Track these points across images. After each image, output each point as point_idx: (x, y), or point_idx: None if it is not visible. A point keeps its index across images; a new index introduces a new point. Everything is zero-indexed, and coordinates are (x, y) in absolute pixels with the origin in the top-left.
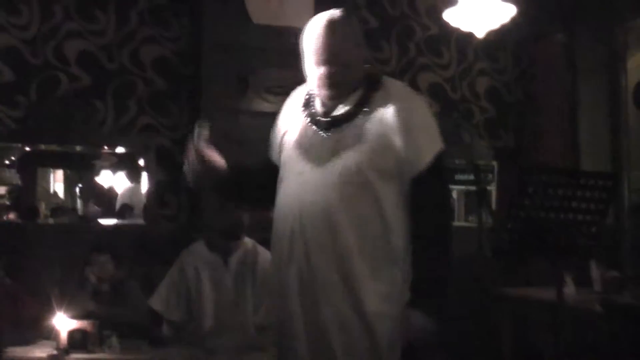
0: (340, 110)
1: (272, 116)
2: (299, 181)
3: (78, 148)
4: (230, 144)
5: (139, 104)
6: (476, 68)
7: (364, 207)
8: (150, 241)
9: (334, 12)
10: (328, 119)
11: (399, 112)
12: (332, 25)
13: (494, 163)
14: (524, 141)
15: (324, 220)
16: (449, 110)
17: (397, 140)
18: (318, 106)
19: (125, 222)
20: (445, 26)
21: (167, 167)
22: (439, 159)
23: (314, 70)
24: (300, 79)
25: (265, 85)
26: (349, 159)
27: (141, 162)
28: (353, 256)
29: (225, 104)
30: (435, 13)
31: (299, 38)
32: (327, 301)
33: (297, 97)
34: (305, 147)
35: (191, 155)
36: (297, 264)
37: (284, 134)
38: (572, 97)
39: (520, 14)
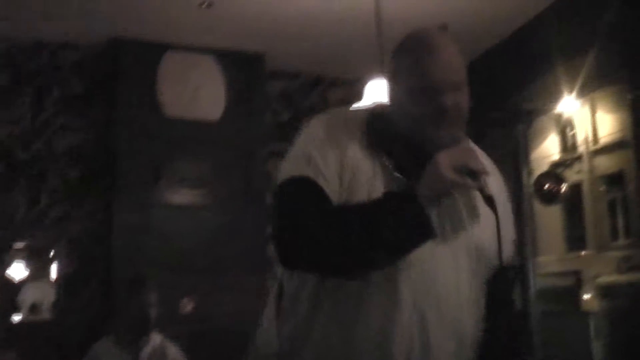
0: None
1: (185, 209)
2: (411, 260)
3: None
4: (143, 237)
5: (52, 194)
6: None
7: (481, 302)
8: (59, 337)
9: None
10: None
11: (499, 182)
12: (449, 38)
13: None
14: None
15: (456, 321)
16: None
17: (504, 216)
18: (411, 153)
19: (34, 317)
20: None
21: (78, 258)
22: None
23: (421, 101)
24: (213, 171)
25: (178, 176)
26: (468, 232)
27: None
28: None
29: (138, 195)
30: (346, 105)
31: (213, 130)
32: None
33: (354, 129)
34: None
35: None
36: None
37: (350, 178)
38: None
39: None
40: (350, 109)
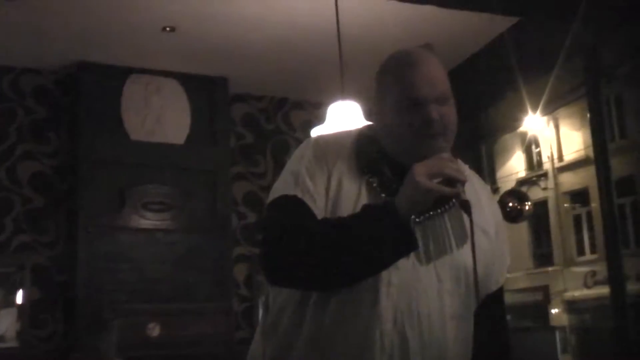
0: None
1: (150, 232)
2: (392, 279)
3: None
4: (108, 262)
5: (15, 221)
6: None
7: (469, 327)
8: None
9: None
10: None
11: (491, 201)
12: (432, 54)
13: None
14: None
15: (438, 342)
16: None
17: (492, 240)
18: (397, 172)
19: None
20: None
21: (42, 286)
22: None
23: (406, 115)
24: (178, 195)
25: (142, 201)
26: (455, 255)
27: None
28: None
29: (103, 220)
30: (309, 128)
31: (177, 154)
32: None
33: (342, 150)
34: None
35: None
36: None
37: (336, 197)
38: None
39: None
40: (341, 131)
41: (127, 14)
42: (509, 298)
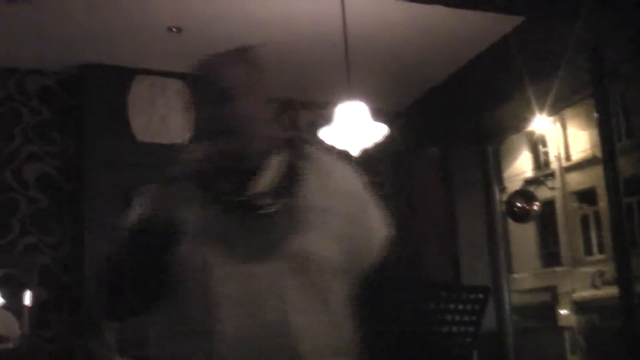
0: (262, 185)
1: None
2: (230, 285)
3: None
4: None
5: (21, 223)
6: None
7: (317, 315)
8: None
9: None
10: (244, 198)
11: (346, 180)
12: (233, 54)
13: None
14: (406, 251)
15: (288, 340)
16: None
17: (347, 219)
18: (223, 180)
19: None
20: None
21: (49, 287)
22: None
23: (197, 119)
24: None
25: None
26: (294, 246)
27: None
28: None
29: (108, 221)
30: (316, 129)
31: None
32: None
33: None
34: (222, 238)
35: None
36: None
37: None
38: (449, 208)
39: (395, 128)
40: None
41: (132, 15)
42: (515, 299)
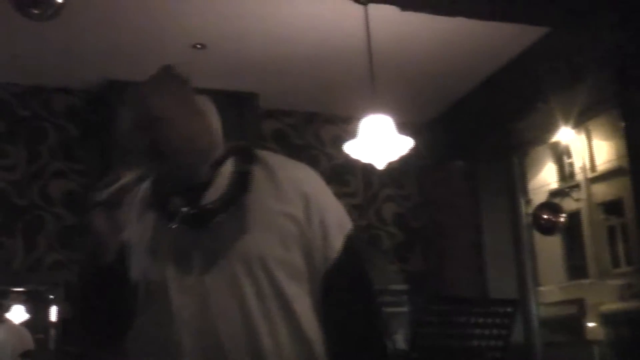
0: (212, 196)
1: None
2: (186, 297)
3: None
4: None
5: (48, 240)
6: (382, 195)
7: (277, 320)
8: None
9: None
10: (195, 211)
11: (298, 181)
12: (160, 77)
13: (406, 286)
14: (432, 265)
15: (250, 342)
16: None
17: (303, 220)
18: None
19: None
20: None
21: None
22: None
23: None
24: None
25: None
26: (244, 250)
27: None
28: None
29: None
30: (339, 143)
31: None
32: None
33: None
34: (176, 253)
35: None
36: None
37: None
38: (474, 220)
39: (420, 141)
40: None
41: (157, 32)
42: (542, 311)
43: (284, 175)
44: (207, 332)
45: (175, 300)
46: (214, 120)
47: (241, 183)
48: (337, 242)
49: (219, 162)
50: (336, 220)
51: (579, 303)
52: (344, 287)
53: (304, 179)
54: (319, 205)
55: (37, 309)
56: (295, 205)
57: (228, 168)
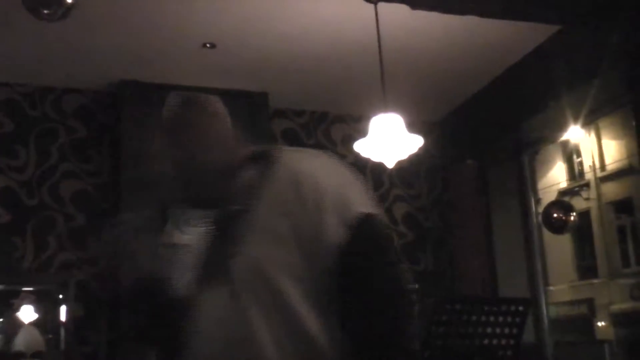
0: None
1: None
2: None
3: None
4: None
5: (59, 239)
6: (392, 194)
7: (280, 327)
8: None
9: None
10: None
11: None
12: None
13: (416, 286)
14: (443, 264)
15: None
16: None
17: (289, 238)
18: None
19: None
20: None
21: (86, 303)
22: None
23: None
24: None
25: (184, 219)
26: (243, 264)
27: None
28: None
29: None
30: (350, 142)
31: None
32: None
33: None
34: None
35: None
36: None
37: None
38: (485, 219)
39: (431, 141)
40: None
41: (167, 32)
42: (552, 311)
43: (299, 179)
44: (209, 339)
45: (197, 309)
46: (229, 134)
47: (259, 185)
48: (337, 232)
49: (238, 168)
50: (328, 223)
51: (589, 302)
52: (358, 286)
53: (321, 186)
54: (315, 186)
55: (47, 308)
56: (283, 225)
57: (249, 172)
